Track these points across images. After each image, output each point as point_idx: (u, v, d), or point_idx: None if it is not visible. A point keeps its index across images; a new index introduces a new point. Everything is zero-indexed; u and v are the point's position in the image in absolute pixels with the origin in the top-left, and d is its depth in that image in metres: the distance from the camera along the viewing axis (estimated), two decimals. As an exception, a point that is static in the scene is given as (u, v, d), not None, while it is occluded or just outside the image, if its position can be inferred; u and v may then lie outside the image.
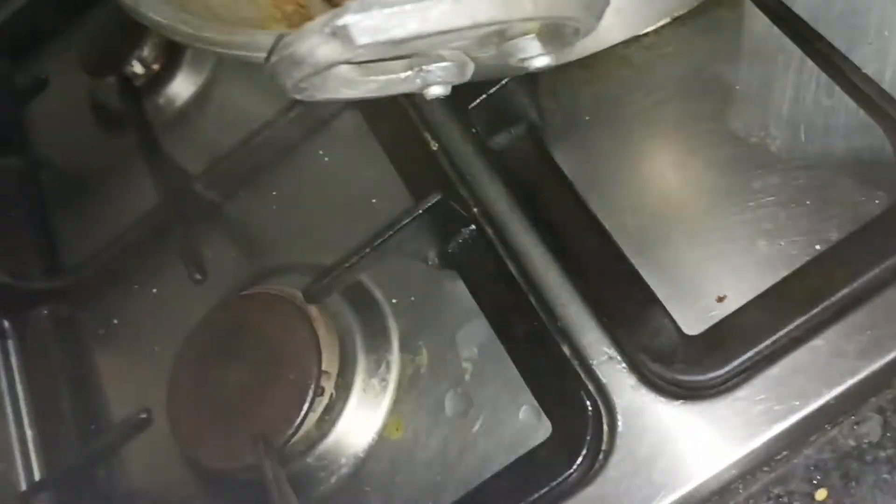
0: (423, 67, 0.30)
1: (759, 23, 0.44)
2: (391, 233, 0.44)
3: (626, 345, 0.40)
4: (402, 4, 0.23)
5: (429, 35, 0.23)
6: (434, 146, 0.49)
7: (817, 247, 0.40)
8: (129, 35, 0.61)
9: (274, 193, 0.55)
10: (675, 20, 0.46)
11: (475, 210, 0.46)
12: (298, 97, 0.28)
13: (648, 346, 0.40)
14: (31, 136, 0.67)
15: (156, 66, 0.62)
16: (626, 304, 0.41)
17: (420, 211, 0.43)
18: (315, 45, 0.24)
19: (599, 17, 0.28)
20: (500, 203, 0.46)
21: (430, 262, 0.46)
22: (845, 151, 0.41)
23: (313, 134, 0.55)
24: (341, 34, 0.23)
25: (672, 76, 0.47)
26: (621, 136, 0.47)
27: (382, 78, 0.30)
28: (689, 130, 0.45)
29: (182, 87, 0.62)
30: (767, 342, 0.37)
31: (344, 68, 0.27)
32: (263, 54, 0.32)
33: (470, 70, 0.31)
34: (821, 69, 0.40)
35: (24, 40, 0.70)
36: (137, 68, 0.62)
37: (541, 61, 0.30)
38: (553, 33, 0.27)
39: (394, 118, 0.51)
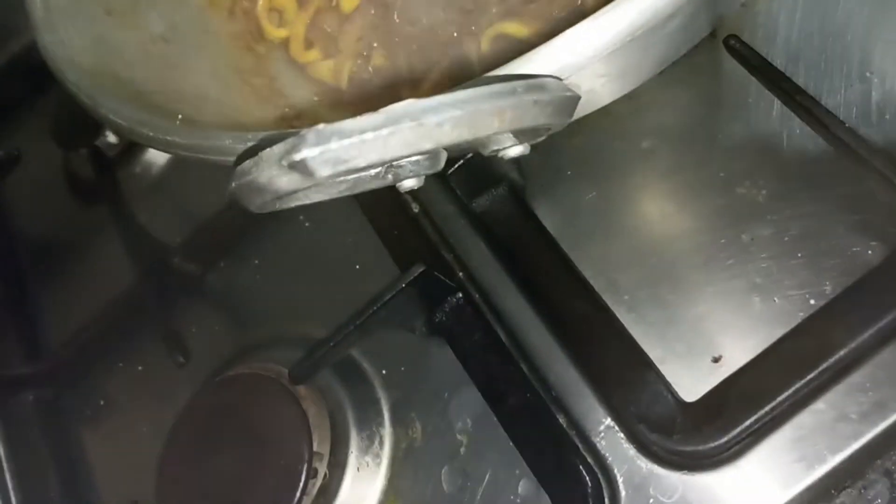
0: (393, 164, 0.28)
1: (736, 69, 0.43)
2: (375, 308, 0.42)
3: (623, 414, 0.39)
4: (361, 133, 0.21)
5: (392, 160, 0.22)
6: (415, 208, 0.48)
7: (812, 301, 0.39)
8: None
9: (256, 262, 0.54)
10: (654, 68, 0.45)
11: (460, 275, 0.45)
12: (266, 211, 0.27)
13: (646, 415, 0.38)
14: (7, 212, 0.66)
15: (129, 135, 0.61)
16: (620, 370, 0.40)
17: (403, 284, 0.42)
18: (274, 176, 0.23)
19: (571, 114, 0.27)
20: (486, 266, 0.45)
21: (417, 332, 0.45)
22: (835, 199, 0.40)
23: (292, 199, 0.54)
24: (300, 168, 0.22)
25: (654, 126, 0.46)
26: (605, 189, 0.46)
27: (352, 178, 0.28)
28: (675, 182, 0.44)
29: (157, 154, 0.60)
30: (767, 408, 0.36)
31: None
32: (229, 158, 0.30)
33: (443, 160, 0.30)
34: (802, 121, 0.39)
35: (-7, 115, 0.69)
36: (111, 138, 0.60)
37: (515, 151, 0.29)
38: (525, 131, 0.26)
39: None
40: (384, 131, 0.22)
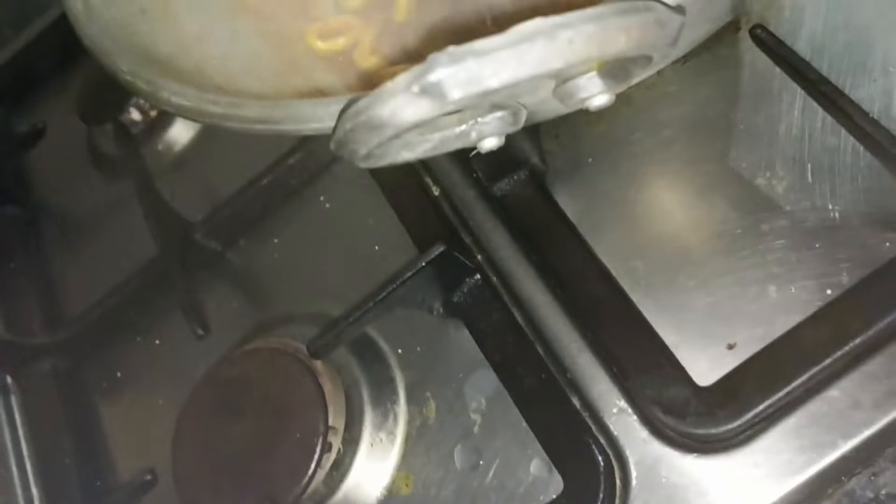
0: (478, 120, 0.29)
1: (760, 61, 0.44)
2: (395, 286, 0.43)
3: (637, 397, 0.39)
4: (497, 51, 0.22)
5: (520, 82, 0.22)
6: (436, 191, 0.49)
7: (828, 291, 0.39)
8: (125, 82, 0.61)
9: (276, 241, 0.55)
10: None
11: (479, 258, 0.46)
12: (364, 166, 0.27)
13: (660, 398, 0.39)
14: (29, 185, 0.67)
15: (153, 113, 0.61)
16: (635, 354, 0.40)
17: (423, 263, 0.43)
18: (399, 107, 0.23)
19: (675, 41, 0.26)
20: (505, 250, 0.45)
21: (434, 313, 0.45)
22: (853, 192, 0.40)
23: (314, 179, 0.55)
24: (433, 91, 0.22)
25: (675, 116, 0.46)
26: (625, 177, 0.46)
27: (437, 136, 0.29)
28: (695, 171, 0.45)
29: (180, 132, 0.61)
30: (781, 393, 0.37)
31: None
32: (310, 126, 0.31)
33: (524, 117, 0.30)
34: (825, 111, 0.39)
35: (19, 87, 0.70)
36: (135, 115, 0.61)
37: (600, 100, 0.29)
38: (619, 68, 0.26)
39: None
40: (519, 48, 0.22)
